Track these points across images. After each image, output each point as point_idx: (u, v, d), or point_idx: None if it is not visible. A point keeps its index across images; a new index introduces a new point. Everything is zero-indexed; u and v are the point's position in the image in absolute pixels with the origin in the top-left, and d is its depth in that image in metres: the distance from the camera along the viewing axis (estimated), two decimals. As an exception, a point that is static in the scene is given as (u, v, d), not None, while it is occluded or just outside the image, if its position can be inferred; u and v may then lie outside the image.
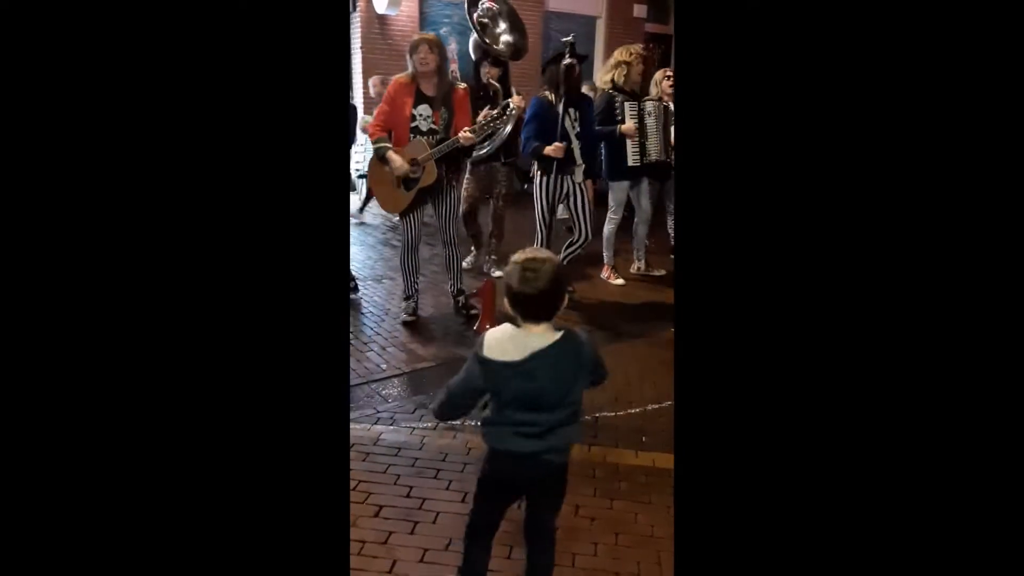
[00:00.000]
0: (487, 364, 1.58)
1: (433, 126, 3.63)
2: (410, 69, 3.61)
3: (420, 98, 3.62)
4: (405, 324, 3.94)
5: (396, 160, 3.60)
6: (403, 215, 3.83)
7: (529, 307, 1.58)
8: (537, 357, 1.57)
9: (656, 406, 3.11)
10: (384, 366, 3.47)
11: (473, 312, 4.04)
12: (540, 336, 1.59)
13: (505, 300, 1.62)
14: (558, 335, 1.60)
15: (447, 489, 2.41)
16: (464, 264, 4.80)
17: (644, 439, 2.85)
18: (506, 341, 1.60)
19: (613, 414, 3.04)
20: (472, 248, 5.04)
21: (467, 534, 1.82)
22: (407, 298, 4.00)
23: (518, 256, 1.61)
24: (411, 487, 2.43)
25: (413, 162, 3.62)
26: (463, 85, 3.79)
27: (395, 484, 2.45)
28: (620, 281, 4.83)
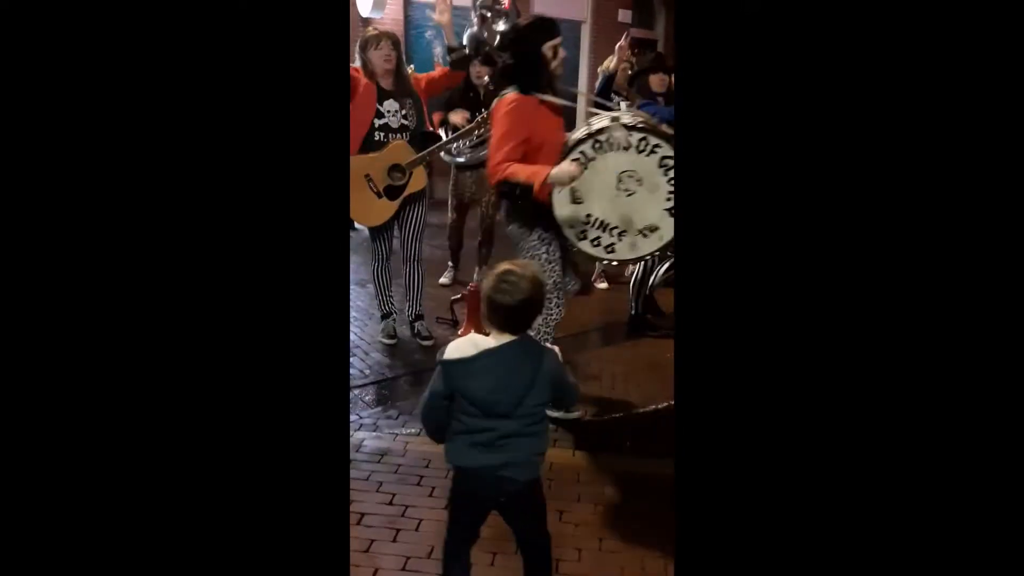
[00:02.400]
0: (443, 365, 1.62)
1: (404, 122, 3.36)
2: (361, 64, 3.30)
3: (382, 94, 3.32)
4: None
5: None
6: (379, 227, 3.53)
7: (504, 317, 1.61)
8: (486, 355, 1.60)
9: (640, 410, 3.11)
10: (367, 371, 3.44)
11: (436, 331, 3.92)
12: (498, 340, 1.62)
13: (483, 309, 1.66)
14: (513, 339, 1.62)
15: (430, 496, 2.39)
16: (443, 280, 4.72)
17: (628, 443, 2.84)
18: (465, 344, 1.63)
19: (597, 418, 3.03)
20: (450, 263, 4.83)
21: (445, 551, 1.81)
22: (385, 316, 3.80)
23: (500, 267, 1.65)
24: (394, 494, 2.41)
25: (396, 168, 3.36)
26: (411, 67, 3.60)
27: (377, 491, 2.42)
28: (604, 285, 4.83)
